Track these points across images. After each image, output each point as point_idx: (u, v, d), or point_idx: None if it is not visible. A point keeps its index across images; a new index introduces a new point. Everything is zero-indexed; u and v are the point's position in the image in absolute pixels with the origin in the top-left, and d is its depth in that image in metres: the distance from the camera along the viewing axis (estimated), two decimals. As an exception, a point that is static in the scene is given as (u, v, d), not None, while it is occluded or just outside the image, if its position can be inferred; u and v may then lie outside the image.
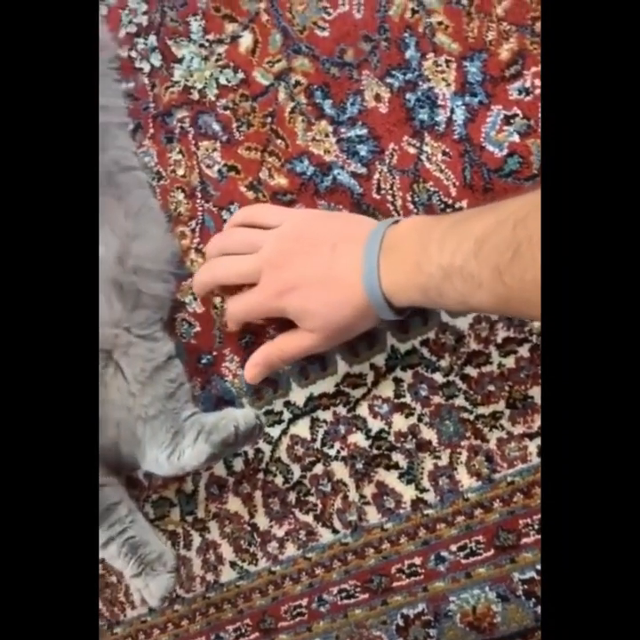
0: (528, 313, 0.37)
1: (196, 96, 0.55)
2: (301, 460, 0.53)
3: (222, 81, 0.54)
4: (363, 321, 0.45)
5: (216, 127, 0.54)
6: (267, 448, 0.54)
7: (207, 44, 0.54)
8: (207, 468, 0.55)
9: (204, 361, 0.55)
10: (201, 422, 0.50)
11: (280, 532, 0.54)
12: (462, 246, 0.37)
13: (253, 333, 0.53)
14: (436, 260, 0.39)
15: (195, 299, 0.55)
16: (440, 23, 0.48)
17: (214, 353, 0.55)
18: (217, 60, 0.54)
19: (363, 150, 0.50)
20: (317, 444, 0.52)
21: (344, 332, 0.46)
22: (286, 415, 0.53)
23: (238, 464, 0.55)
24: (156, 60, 0.56)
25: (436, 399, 0.48)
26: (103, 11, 0.58)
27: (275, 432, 0.53)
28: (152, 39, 0.56)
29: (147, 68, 0.56)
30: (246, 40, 0.53)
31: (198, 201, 0.55)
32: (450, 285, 0.38)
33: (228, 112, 0.54)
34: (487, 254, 0.36)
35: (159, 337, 0.52)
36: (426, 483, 0.49)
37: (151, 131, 0.56)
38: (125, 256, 0.50)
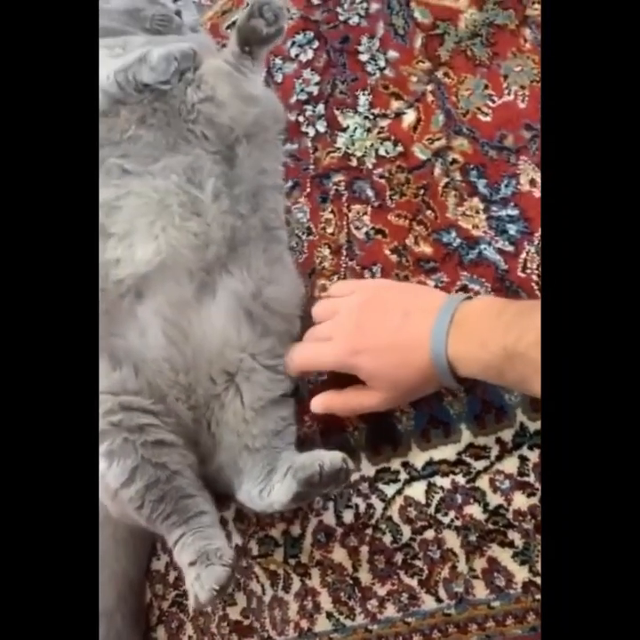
0: None
1: (354, 163, 0.59)
2: (413, 523, 0.53)
3: (381, 152, 0.58)
4: (426, 385, 0.49)
5: (369, 193, 0.58)
6: (379, 505, 0.55)
7: (372, 117, 0.59)
8: (316, 514, 0.57)
9: (328, 410, 0.57)
10: (292, 459, 0.51)
11: (382, 591, 0.54)
12: (526, 335, 0.40)
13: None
14: (501, 342, 0.42)
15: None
16: (605, 119, 0.50)
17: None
18: (379, 133, 0.58)
19: (512, 229, 0.52)
20: (431, 510, 0.53)
21: (408, 394, 0.50)
22: (403, 475, 0.54)
23: (348, 516, 0.56)
24: (322, 126, 0.61)
25: (562, 483, 0.48)
26: (279, 78, 0.63)
27: (389, 491, 0.54)
28: (320, 107, 0.61)
29: (312, 132, 0.61)
30: (409, 117, 0.57)
31: (343, 258, 0.58)
32: (511, 367, 0.42)
33: (382, 180, 0.57)
34: None
35: (281, 371, 0.55)
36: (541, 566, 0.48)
37: (308, 190, 0.60)
38: (258, 296, 0.54)
